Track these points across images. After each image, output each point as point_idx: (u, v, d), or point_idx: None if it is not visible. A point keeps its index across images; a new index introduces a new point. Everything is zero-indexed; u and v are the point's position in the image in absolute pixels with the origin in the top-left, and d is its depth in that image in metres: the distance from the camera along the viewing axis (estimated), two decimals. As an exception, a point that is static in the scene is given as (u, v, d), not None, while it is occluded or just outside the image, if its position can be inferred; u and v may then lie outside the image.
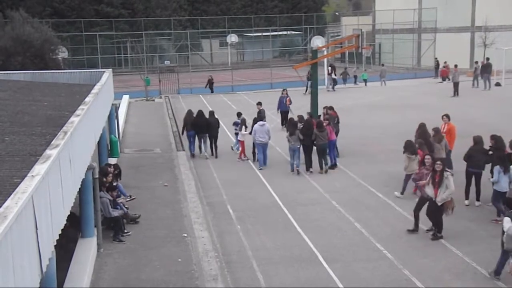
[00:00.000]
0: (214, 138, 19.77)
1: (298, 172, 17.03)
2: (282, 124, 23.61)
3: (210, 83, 39.87)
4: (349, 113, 22.86)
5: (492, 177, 12.64)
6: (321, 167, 17.03)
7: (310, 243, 11.76)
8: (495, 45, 42.52)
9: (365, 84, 41.57)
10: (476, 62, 38.54)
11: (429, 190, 11.72)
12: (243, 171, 17.91)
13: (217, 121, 19.89)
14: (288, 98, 24.28)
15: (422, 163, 12.85)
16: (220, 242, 12.05)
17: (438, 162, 11.83)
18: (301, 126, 17.36)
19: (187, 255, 11.26)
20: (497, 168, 12.39)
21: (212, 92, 39.51)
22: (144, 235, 12.34)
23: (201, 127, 19.42)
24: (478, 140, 13.81)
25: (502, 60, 37.38)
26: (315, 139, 16.93)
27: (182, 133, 21.15)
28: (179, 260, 11.03)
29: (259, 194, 15.37)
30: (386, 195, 14.75)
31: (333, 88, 38.20)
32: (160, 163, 19.18)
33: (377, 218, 13.19)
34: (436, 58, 47.22)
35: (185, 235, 12.35)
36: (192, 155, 19.72)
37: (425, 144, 14.71)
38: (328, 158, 17.34)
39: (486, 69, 36.06)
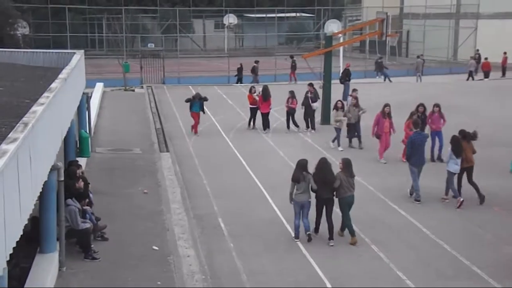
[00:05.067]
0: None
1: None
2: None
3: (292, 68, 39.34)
4: (371, 114, 22.55)
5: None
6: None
7: (317, 268, 11.73)
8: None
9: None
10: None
11: None
12: (239, 178, 17.91)
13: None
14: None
15: None
16: (209, 262, 12.01)
17: None
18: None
19: (168, 277, 11.23)
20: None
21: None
22: (117, 252, 12.31)
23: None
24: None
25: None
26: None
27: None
28: (159, 283, 11.01)
29: (258, 207, 15.35)
30: (410, 212, 14.77)
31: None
32: (139, 165, 19.20)
33: (399, 240, 13.20)
34: (477, 50, 47.16)
35: (160, 250, 12.31)
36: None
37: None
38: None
39: None
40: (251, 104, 24.73)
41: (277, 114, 25.84)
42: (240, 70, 40.74)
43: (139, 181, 17.30)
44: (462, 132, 16.14)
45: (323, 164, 13.25)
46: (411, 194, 15.92)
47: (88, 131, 18.68)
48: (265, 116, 24.29)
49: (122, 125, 25.89)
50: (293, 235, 13.21)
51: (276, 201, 15.58)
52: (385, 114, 19.51)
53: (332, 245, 12.86)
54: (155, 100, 33.04)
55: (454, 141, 15.75)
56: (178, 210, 15.04)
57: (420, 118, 18.68)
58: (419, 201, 15.49)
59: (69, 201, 12.06)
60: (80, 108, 18.10)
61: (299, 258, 12.28)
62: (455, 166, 15.48)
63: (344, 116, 21.29)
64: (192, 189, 16.88)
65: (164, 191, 16.53)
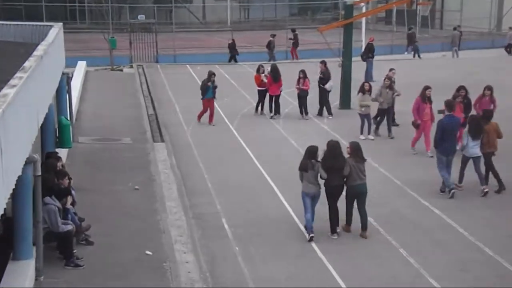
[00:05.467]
0: None
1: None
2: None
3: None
4: (404, 96, 22.38)
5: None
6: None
7: (335, 274, 11.76)
8: None
9: None
10: None
11: None
12: (246, 172, 17.97)
13: None
14: None
15: None
16: (211, 269, 12.07)
17: None
18: None
19: (164, 287, 11.26)
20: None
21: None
22: (104, 258, 12.34)
23: None
24: None
25: None
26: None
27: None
28: (152, 293, 11.08)
29: (267, 205, 15.41)
30: (443, 210, 14.78)
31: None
32: (129, 157, 19.27)
33: (431, 243, 13.22)
34: None
35: (154, 255, 12.37)
36: None
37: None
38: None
39: None
40: (259, 86, 24.72)
41: (289, 97, 25.82)
42: (231, 46, 40.67)
43: (129, 176, 17.30)
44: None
45: (333, 148, 13.30)
46: (442, 191, 15.90)
47: (69, 118, 18.71)
48: (275, 100, 24.29)
49: (108, 111, 25.91)
50: (307, 237, 13.24)
51: (287, 198, 15.61)
52: (426, 98, 19.10)
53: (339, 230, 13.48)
54: (147, 81, 33.05)
55: (472, 120, 16.01)
56: (175, 209, 15.07)
57: (463, 102, 18.64)
58: (452, 189, 15.45)
59: (48, 199, 12.06)
60: (60, 91, 18.10)
61: (314, 262, 12.33)
62: (471, 150, 15.67)
63: (375, 100, 21.00)
64: (191, 185, 16.93)
65: (158, 187, 16.55)
